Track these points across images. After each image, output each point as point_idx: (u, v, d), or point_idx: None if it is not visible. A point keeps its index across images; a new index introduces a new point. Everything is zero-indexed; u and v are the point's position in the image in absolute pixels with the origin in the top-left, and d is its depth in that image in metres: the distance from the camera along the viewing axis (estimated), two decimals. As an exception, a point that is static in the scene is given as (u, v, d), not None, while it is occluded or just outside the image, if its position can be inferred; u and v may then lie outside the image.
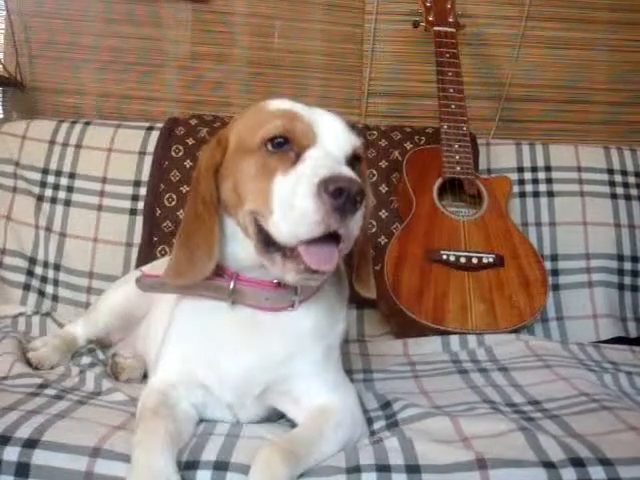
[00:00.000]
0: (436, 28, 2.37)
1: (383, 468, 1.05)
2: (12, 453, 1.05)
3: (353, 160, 1.19)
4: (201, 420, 1.29)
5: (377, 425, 1.28)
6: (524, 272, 1.98)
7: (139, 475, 1.02)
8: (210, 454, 1.10)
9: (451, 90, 2.24)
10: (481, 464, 1.03)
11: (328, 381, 1.28)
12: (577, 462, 1.03)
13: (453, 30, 2.37)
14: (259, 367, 1.25)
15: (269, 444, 1.09)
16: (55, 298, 2.23)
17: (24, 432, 1.08)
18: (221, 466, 1.07)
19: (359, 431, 1.24)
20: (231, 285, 1.24)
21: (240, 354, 1.25)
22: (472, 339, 1.78)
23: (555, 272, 2.24)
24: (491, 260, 1.98)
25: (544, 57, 2.72)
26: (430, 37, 2.39)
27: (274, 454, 1.05)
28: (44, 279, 2.25)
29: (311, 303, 1.28)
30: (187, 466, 1.07)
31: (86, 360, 1.70)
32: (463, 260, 1.97)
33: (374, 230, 2.25)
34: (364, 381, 1.58)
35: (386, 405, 1.35)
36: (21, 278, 2.25)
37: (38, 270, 2.26)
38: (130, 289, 1.64)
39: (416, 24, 2.45)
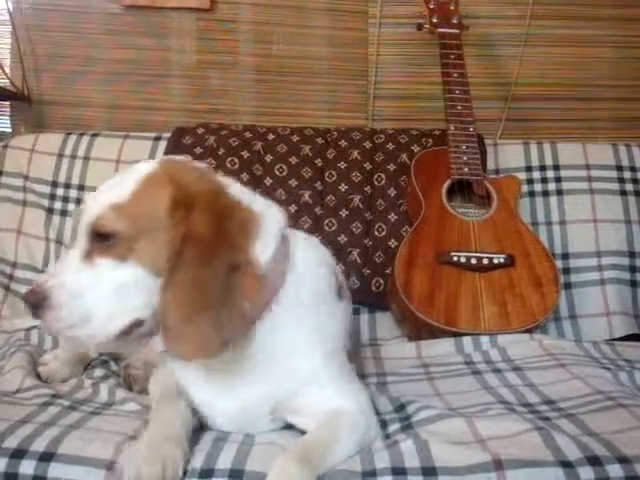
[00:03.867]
0: (440, 30, 2.37)
1: (399, 471, 1.04)
2: (28, 467, 1.05)
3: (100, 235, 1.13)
4: None
5: (392, 428, 1.27)
6: (535, 271, 1.98)
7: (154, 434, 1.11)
8: (225, 462, 1.09)
9: (457, 91, 2.24)
10: (497, 465, 1.02)
11: (336, 387, 1.25)
12: (594, 461, 1.02)
13: (457, 31, 2.37)
14: (250, 404, 1.23)
15: (284, 452, 1.09)
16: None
17: (39, 445, 1.09)
18: (236, 474, 1.06)
19: (373, 433, 1.23)
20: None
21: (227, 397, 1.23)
22: (485, 340, 1.77)
23: (567, 271, 2.22)
24: (502, 260, 1.97)
25: (549, 56, 2.72)
26: (434, 39, 2.39)
27: (290, 462, 1.04)
28: (56, 292, 2.25)
29: (269, 327, 1.21)
30: (202, 474, 1.07)
31: (99, 372, 1.69)
32: (474, 261, 1.97)
33: (384, 233, 2.24)
34: (378, 384, 1.57)
35: (400, 408, 1.35)
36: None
37: (50, 283, 2.26)
38: None
39: (420, 27, 2.45)
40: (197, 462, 1.09)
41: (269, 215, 1.22)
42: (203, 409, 1.26)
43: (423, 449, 1.09)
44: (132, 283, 1.11)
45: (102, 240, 1.12)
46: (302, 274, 1.25)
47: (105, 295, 1.11)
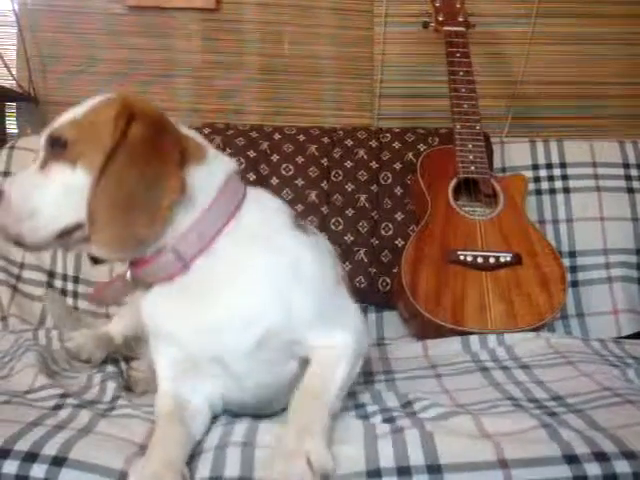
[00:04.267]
0: (446, 28, 2.36)
1: (404, 470, 1.04)
2: (39, 471, 1.05)
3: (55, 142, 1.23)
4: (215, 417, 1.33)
5: (399, 422, 1.27)
6: (542, 270, 1.97)
7: (153, 462, 1.09)
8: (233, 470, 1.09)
9: (463, 90, 2.24)
10: (503, 463, 1.02)
11: (323, 315, 1.31)
12: (601, 456, 1.02)
13: (463, 29, 2.36)
14: (230, 321, 1.26)
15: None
16: (75, 309, 2.24)
17: (51, 449, 1.09)
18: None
19: (364, 347, 1.37)
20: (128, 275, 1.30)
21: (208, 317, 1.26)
22: (492, 338, 1.77)
23: (574, 269, 2.22)
24: (508, 259, 1.97)
25: (555, 53, 2.72)
26: (440, 37, 2.38)
27: (305, 398, 1.20)
28: (63, 292, 2.25)
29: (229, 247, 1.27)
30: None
31: (110, 369, 1.70)
32: (480, 260, 1.97)
33: (390, 233, 2.25)
34: (386, 381, 1.58)
35: (407, 404, 1.35)
36: (41, 292, 2.25)
37: (57, 283, 2.27)
38: None
39: (426, 25, 2.44)
40: (205, 470, 1.09)
41: (218, 157, 1.32)
42: (173, 337, 1.29)
43: (428, 441, 1.09)
44: (78, 186, 1.19)
45: (57, 148, 1.22)
46: (253, 215, 1.30)
47: (52, 195, 1.20)
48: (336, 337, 1.32)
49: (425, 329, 1.93)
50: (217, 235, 1.26)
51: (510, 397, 1.39)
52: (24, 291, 2.24)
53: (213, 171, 1.28)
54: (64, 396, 1.39)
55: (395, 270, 2.14)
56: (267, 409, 1.38)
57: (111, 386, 1.53)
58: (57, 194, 1.20)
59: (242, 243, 1.27)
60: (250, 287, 1.26)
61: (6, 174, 2.36)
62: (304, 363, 1.31)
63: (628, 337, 2.01)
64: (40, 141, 1.26)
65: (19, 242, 1.22)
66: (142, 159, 1.18)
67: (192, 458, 1.14)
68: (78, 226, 1.21)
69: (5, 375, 1.57)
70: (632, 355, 1.66)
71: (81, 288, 2.25)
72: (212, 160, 1.30)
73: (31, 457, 1.07)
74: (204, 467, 1.11)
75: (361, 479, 1.04)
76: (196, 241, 1.24)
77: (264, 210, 1.35)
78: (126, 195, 1.17)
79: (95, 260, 1.32)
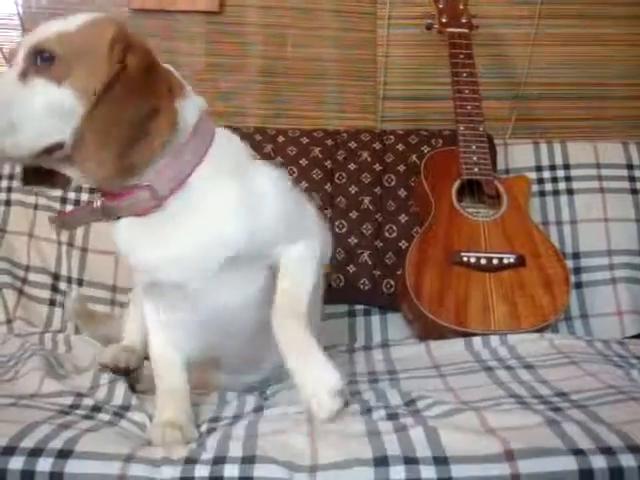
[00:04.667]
0: (449, 30, 2.37)
1: (411, 460, 1.04)
2: (45, 465, 1.05)
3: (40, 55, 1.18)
4: None
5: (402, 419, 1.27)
6: (546, 271, 1.97)
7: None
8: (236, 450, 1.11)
9: (466, 91, 2.24)
10: (509, 455, 1.02)
11: (287, 233, 1.39)
12: (607, 450, 1.02)
13: (466, 31, 2.37)
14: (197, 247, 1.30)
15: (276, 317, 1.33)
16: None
17: (56, 444, 1.09)
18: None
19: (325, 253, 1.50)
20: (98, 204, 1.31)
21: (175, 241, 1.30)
22: (495, 339, 1.77)
23: (577, 270, 2.23)
24: (512, 260, 1.97)
25: (558, 55, 2.71)
26: (444, 39, 2.39)
27: (288, 320, 1.31)
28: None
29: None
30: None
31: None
32: (484, 261, 1.97)
33: (394, 235, 2.25)
34: (390, 380, 1.59)
35: (411, 402, 1.35)
36: (46, 294, 2.26)
37: (62, 285, 2.28)
38: None
39: (429, 27, 2.45)
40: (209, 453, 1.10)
41: (192, 94, 1.33)
42: (141, 264, 1.34)
43: (432, 437, 1.09)
44: (63, 105, 1.16)
45: (41, 61, 1.17)
46: (223, 151, 1.33)
47: (35, 112, 1.16)
48: (300, 246, 1.41)
49: (429, 330, 1.93)
50: (191, 172, 1.28)
51: (514, 395, 1.39)
52: (29, 294, 2.25)
53: (190, 108, 1.29)
54: (73, 407, 1.39)
55: (399, 272, 2.14)
56: (236, 326, 1.44)
57: (120, 387, 1.53)
58: (40, 111, 1.16)
59: (213, 179, 1.30)
60: (216, 216, 1.30)
61: (11, 178, 2.37)
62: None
63: (632, 338, 2.01)
64: (20, 48, 1.21)
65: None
66: (140, 91, 1.19)
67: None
68: (59, 145, 1.19)
69: (11, 378, 1.58)
70: (636, 355, 1.66)
71: (86, 290, 2.25)
72: (189, 96, 1.31)
73: (36, 452, 1.07)
74: (210, 448, 1.12)
75: (368, 467, 1.04)
76: (172, 179, 1.26)
77: (231, 146, 1.39)
78: (122, 124, 1.17)
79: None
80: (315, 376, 1.24)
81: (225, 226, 1.30)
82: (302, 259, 1.41)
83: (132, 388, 1.59)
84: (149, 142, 1.18)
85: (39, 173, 1.31)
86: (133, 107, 1.18)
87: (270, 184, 1.37)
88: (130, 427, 1.32)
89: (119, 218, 1.31)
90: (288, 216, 1.38)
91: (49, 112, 1.16)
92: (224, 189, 1.31)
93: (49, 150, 1.19)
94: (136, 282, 1.46)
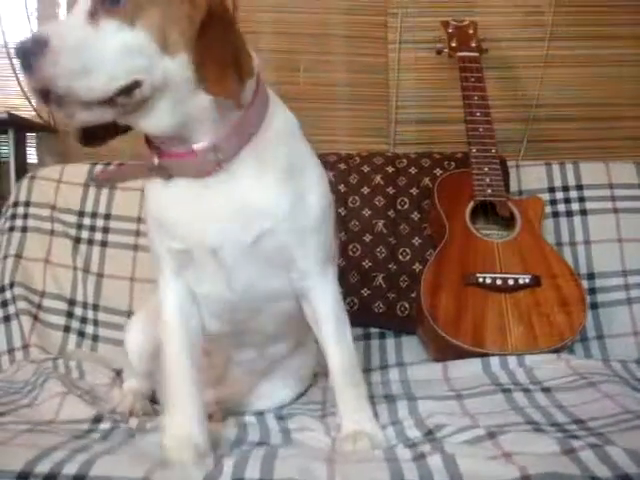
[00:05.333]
0: (460, 54, 2.39)
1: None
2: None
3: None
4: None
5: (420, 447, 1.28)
6: (561, 291, 1.97)
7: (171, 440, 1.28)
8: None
9: (478, 114, 2.25)
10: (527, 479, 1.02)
11: (321, 241, 1.41)
12: (624, 477, 1.01)
13: (477, 54, 2.38)
14: (235, 215, 1.31)
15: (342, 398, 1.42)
16: (95, 338, 2.25)
17: (71, 469, 1.09)
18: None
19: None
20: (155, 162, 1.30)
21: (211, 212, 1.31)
22: (512, 360, 1.77)
23: (593, 290, 2.21)
24: (527, 281, 1.97)
25: (570, 76, 2.73)
26: (454, 63, 2.41)
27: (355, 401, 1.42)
28: (84, 320, 2.27)
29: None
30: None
31: None
32: (499, 282, 1.96)
33: (408, 258, 2.25)
34: (408, 400, 1.58)
35: (429, 433, 1.35)
36: (61, 320, 2.27)
37: (78, 311, 2.29)
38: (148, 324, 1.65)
39: (439, 51, 2.47)
40: (226, 476, 1.09)
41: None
42: (175, 226, 1.34)
43: (450, 464, 1.08)
44: (137, 48, 1.14)
45: (110, 2, 1.14)
46: (279, 120, 1.36)
47: (108, 54, 1.12)
48: (328, 277, 1.44)
49: (445, 352, 1.93)
50: (252, 138, 1.29)
51: (531, 421, 1.38)
52: (44, 320, 2.25)
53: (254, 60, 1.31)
54: (89, 431, 1.40)
55: (413, 295, 2.14)
56: (253, 323, 1.49)
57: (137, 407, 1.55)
58: (115, 54, 1.12)
59: (269, 146, 1.31)
60: (262, 184, 1.30)
61: (27, 204, 2.39)
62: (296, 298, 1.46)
63: (649, 358, 2.00)
64: None
65: (67, 97, 1.12)
66: (230, 29, 1.23)
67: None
68: (136, 84, 1.15)
69: (28, 404, 1.58)
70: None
71: (101, 316, 2.27)
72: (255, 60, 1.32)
73: (51, 477, 1.07)
74: (227, 468, 1.12)
75: None
76: (236, 144, 1.27)
77: (286, 115, 1.41)
78: (229, 47, 1.21)
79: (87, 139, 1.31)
80: (362, 428, 1.35)
81: (268, 194, 1.30)
82: (338, 308, 1.46)
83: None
84: (245, 66, 1.22)
85: (94, 134, 1.30)
86: (230, 42, 1.22)
87: (321, 172, 1.44)
88: (147, 447, 1.31)
89: (171, 177, 1.31)
90: (325, 218, 1.41)
91: (124, 55, 1.13)
92: (276, 159, 1.32)
93: (126, 90, 1.15)
94: (164, 261, 1.39)
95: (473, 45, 2.40)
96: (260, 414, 1.61)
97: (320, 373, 1.79)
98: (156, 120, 1.21)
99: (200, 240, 1.32)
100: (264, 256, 1.34)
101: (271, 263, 1.36)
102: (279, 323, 1.53)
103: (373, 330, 2.20)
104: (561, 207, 2.34)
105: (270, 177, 1.31)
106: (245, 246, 1.32)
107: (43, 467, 1.09)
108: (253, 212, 1.30)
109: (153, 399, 1.77)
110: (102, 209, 2.36)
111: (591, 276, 2.24)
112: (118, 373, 1.94)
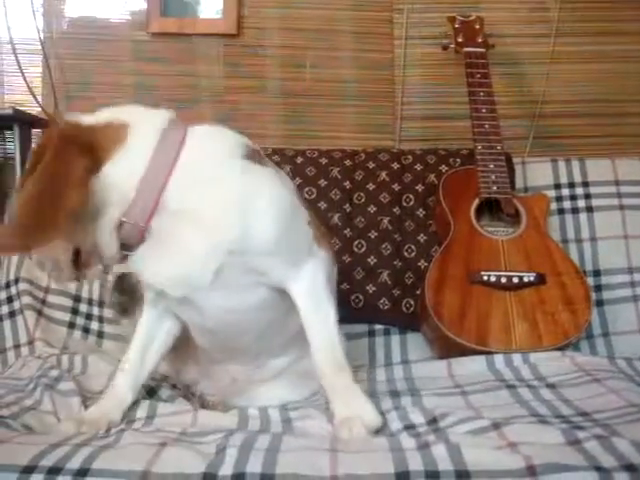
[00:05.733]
0: (466, 49, 2.38)
1: (432, 474, 1.04)
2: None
3: None
4: None
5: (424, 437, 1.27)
6: (566, 289, 1.96)
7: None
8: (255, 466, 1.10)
9: (483, 110, 2.24)
10: (531, 470, 1.01)
11: (282, 244, 1.43)
12: (629, 467, 1.01)
13: (483, 50, 2.38)
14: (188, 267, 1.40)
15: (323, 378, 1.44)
16: (100, 334, 2.25)
17: (74, 463, 1.09)
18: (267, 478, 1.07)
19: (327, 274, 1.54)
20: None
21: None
22: (517, 357, 1.76)
23: (598, 288, 2.21)
24: (532, 279, 1.96)
25: (576, 72, 2.72)
26: (460, 59, 2.40)
27: (334, 378, 1.42)
28: (89, 316, 2.27)
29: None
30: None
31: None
32: (504, 280, 1.96)
33: (413, 254, 2.25)
34: (412, 396, 1.58)
35: (433, 421, 1.34)
36: (66, 317, 2.27)
37: (83, 308, 2.29)
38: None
39: (446, 46, 2.47)
40: (228, 468, 1.09)
41: (139, 132, 1.36)
42: (151, 286, 1.49)
43: (455, 453, 1.08)
44: None
45: None
46: (194, 157, 1.38)
47: None
48: (306, 269, 1.48)
49: (449, 350, 1.92)
50: (162, 191, 1.34)
51: (536, 414, 1.38)
52: (49, 316, 2.25)
53: (135, 150, 1.35)
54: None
55: (419, 292, 2.14)
56: (239, 339, 1.59)
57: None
58: None
59: (189, 189, 1.36)
60: (206, 226, 1.36)
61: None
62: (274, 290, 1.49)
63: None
64: None
65: None
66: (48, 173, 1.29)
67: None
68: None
69: (32, 405, 1.58)
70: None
71: (107, 312, 2.26)
72: (133, 140, 1.35)
73: (55, 471, 1.07)
74: (229, 459, 1.12)
75: None
76: (143, 209, 1.35)
77: (206, 148, 1.42)
78: (37, 200, 1.28)
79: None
80: (355, 412, 1.35)
81: (212, 237, 1.36)
82: (315, 295, 1.49)
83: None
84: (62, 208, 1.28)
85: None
86: (44, 185, 1.29)
87: (260, 188, 1.42)
88: (147, 439, 1.30)
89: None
90: (280, 224, 1.42)
91: None
92: (203, 198, 1.37)
93: None
94: (145, 291, 1.58)
95: (479, 41, 2.40)
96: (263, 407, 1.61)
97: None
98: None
99: (171, 290, 1.44)
100: (231, 285, 1.44)
101: (240, 286, 1.46)
102: (269, 335, 1.60)
103: (378, 327, 2.20)
104: (567, 204, 2.34)
105: (204, 220, 1.38)
106: (208, 284, 1.40)
107: (47, 461, 1.09)
108: (203, 254, 1.38)
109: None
110: (108, 204, 2.36)
111: (597, 273, 2.24)
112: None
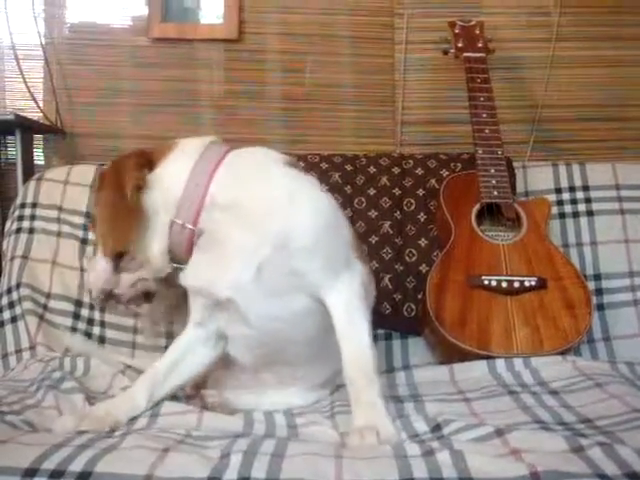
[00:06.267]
0: (466, 54, 2.39)
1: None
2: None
3: None
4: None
5: (427, 443, 1.28)
6: (567, 293, 1.96)
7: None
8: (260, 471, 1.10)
9: (484, 115, 2.25)
10: (535, 477, 1.01)
11: (322, 250, 1.48)
12: (632, 475, 1.01)
13: (483, 55, 2.38)
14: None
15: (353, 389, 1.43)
16: (102, 340, 2.25)
17: (76, 466, 1.09)
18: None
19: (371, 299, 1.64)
20: None
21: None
22: (518, 362, 1.77)
23: (599, 292, 2.21)
24: (533, 283, 1.96)
25: (576, 77, 2.73)
26: (460, 63, 2.41)
27: (364, 394, 1.40)
28: (90, 321, 2.27)
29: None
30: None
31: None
32: (505, 284, 1.96)
33: (414, 259, 2.25)
34: (415, 402, 1.59)
35: (436, 428, 1.35)
36: (68, 322, 2.26)
37: (84, 312, 2.28)
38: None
39: (446, 51, 2.47)
40: (233, 473, 1.09)
41: (186, 141, 1.58)
42: (200, 292, 1.55)
43: (459, 460, 1.08)
44: None
45: None
46: (238, 160, 1.55)
47: None
48: (343, 280, 1.50)
49: (451, 354, 1.93)
50: (207, 189, 1.49)
51: (539, 420, 1.38)
52: (51, 321, 2.25)
53: (182, 156, 1.54)
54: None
55: (420, 296, 2.14)
56: (283, 351, 1.60)
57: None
58: None
59: (233, 187, 1.49)
60: (249, 224, 1.45)
61: (34, 205, 2.40)
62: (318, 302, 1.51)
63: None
64: None
65: None
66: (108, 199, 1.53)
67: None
68: None
69: (34, 404, 1.58)
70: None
71: (108, 317, 2.26)
72: (181, 149, 1.56)
73: (57, 474, 1.07)
74: (234, 464, 1.11)
75: None
76: (190, 207, 1.48)
77: (248, 155, 1.57)
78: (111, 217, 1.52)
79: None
80: (372, 424, 1.33)
81: (253, 236, 1.44)
82: (351, 306, 1.50)
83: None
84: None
85: None
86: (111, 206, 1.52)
87: (302, 190, 1.51)
88: (149, 442, 1.30)
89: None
90: (320, 228, 1.48)
91: None
92: (249, 195, 1.47)
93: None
94: (198, 309, 1.59)
95: (480, 46, 2.41)
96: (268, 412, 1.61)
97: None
98: None
99: (217, 292, 1.49)
100: (273, 292, 1.48)
101: (282, 293, 1.49)
102: (315, 346, 1.61)
103: (379, 332, 2.19)
104: (567, 208, 2.34)
105: (248, 217, 1.49)
106: (249, 285, 1.46)
107: (49, 464, 1.09)
108: (245, 255, 1.47)
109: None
110: (109, 211, 2.36)
111: (597, 277, 2.24)
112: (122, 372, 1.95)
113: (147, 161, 1.53)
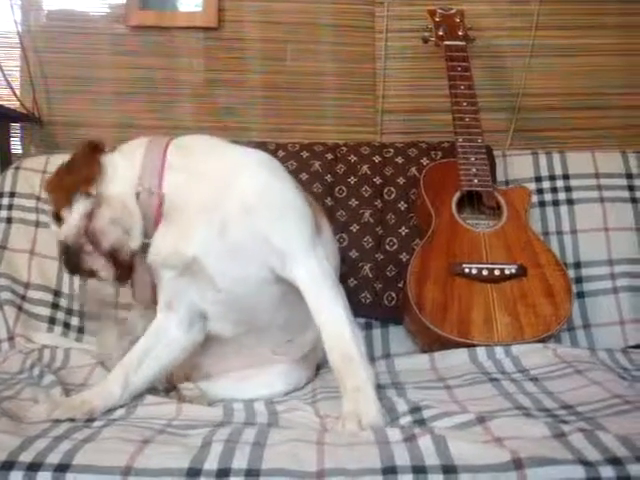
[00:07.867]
0: (446, 42, 2.39)
1: (419, 469, 1.03)
2: (44, 478, 1.05)
3: None
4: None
5: (407, 425, 1.30)
6: (547, 281, 1.97)
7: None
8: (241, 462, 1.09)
9: (464, 103, 2.25)
10: (518, 463, 1.01)
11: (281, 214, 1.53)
12: (615, 461, 1.01)
13: (463, 44, 2.38)
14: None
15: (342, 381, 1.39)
16: (81, 330, 2.24)
17: (54, 458, 1.08)
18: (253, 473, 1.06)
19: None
20: None
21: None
22: (499, 350, 1.77)
23: (579, 280, 2.22)
24: (513, 271, 1.97)
25: (556, 65, 2.73)
26: (441, 52, 2.40)
27: (352, 381, 1.37)
28: (69, 311, 2.26)
29: None
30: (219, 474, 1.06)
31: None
32: (485, 272, 1.97)
33: (395, 247, 2.25)
34: (396, 389, 1.59)
35: (416, 410, 1.35)
36: (46, 312, 2.25)
37: (63, 303, 2.27)
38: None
39: (426, 40, 2.47)
40: (213, 463, 1.08)
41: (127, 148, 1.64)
42: (166, 262, 1.56)
43: (441, 446, 1.08)
44: None
45: None
46: (186, 139, 1.64)
47: None
48: (309, 255, 1.52)
49: (432, 342, 1.93)
50: (164, 156, 1.57)
51: (520, 407, 1.39)
52: (29, 311, 2.23)
53: (135, 142, 1.64)
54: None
55: (400, 285, 2.14)
56: (255, 318, 1.62)
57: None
58: None
59: (188, 155, 1.58)
60: (209, 186, 1.52)
61: (12, 195, 2.38)
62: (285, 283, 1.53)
63: (634, 347, 2.01)
64: None
65: None
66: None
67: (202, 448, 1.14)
68: None
69: (11, 395, 1.57)
70: (639, 366, 1.66)
71: (87, 308, 2.25)
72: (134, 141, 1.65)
73: (35, 467, 1.06)
74: (214, 454, 1.11)
75: (376, 476, 1.03)
76: (152, 171, 1.55)
77: (195, 136, 1.67)
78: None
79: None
80: (360, 408, 1.32)
81: (212, 197, 1.50)
82: (323, 284, 1.50)
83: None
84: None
85: None
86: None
87: (253, 160, 1.59)
88: (128, 432, 1.28)
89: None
90: (280, 186, 1.56)
91: None
92: (205, 165, 1.56)
93: None
94: (166, 288, 1.61)
95: (460, 34, 2.41)
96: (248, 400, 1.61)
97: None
98: None
99: (182, 260, 1.53)
100: (237, 258, 1.51)
101: (246, 261, 1.52)
102: (286, 313, 1.63)
103: (359, 320, 2.18)
104: (548, 196, 2.35)
105: (205, 184, 1.56)
106: (212, 242, 1.50)
107: (27, 456, 1.08)
108: (207, 216, 1.51)
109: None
110: (87, 200, 2.34)
111: (577, 265, 2.26)
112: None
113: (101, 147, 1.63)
